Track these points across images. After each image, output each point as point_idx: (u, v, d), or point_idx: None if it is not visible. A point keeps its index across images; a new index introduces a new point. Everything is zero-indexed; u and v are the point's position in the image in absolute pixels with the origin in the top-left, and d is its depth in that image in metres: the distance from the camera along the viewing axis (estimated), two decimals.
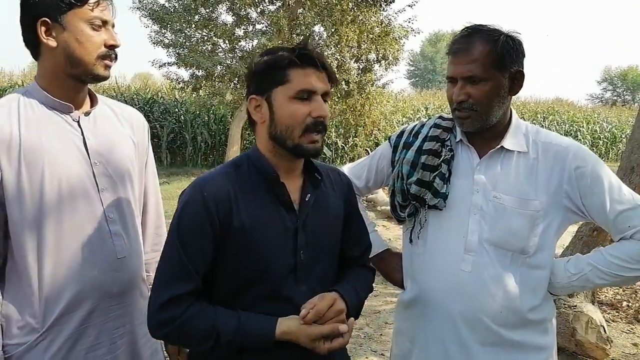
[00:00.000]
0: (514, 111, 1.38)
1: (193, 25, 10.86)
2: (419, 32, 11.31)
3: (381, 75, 11.66)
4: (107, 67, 1.26)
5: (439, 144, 1.37)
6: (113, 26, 1.27)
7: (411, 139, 1.44)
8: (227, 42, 11.07)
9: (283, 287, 1.14)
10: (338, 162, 13.32)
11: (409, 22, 11.10)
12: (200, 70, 11.12)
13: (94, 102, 1.35)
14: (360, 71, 11.28)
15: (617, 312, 4.12)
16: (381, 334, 3.63)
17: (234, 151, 10.93)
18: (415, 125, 1.48)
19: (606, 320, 3.83)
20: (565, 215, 1.31)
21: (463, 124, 1.32)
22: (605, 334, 3.11)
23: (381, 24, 10.68)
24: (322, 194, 1.24)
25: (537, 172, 1.30)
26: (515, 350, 1.30)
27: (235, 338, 1.08)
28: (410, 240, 1.41)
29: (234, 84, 11.53)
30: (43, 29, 1.20)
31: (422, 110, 16.20)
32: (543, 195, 1.28)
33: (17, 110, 1.20)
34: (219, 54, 11.17)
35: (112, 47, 1.25)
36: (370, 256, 1.46)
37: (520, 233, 1.27)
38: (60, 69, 1.23)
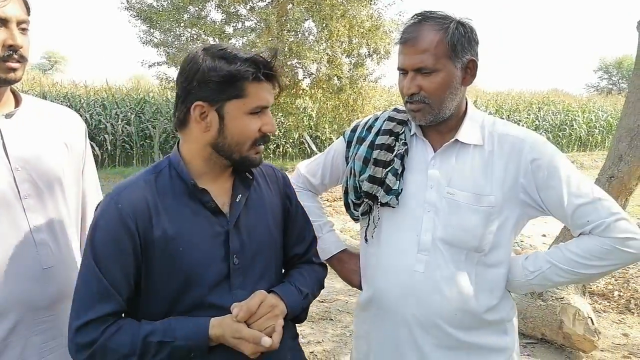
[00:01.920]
0: (469, 102, 1.33)
1: (182, 24, 10.78)
2: None
3: (373, 69, 11.59)
4: (11, 69, 1.15)
5: (393, 137, 1.31)
6: (21, 22, 1.17)
7: (364, 133, 1.37)
8: (216, 40, 10.98)
9: (217, 296, 1.08)
10: None
11: (399, 15, 11.04)
12: None
13: (18, 102, 1.27)
14: (351, 66, 11.21)
15: (608, 302, 4.07)
16: None
17: None
18: (369, 119, 1.41)
19: (597, 311, 3.79)
20: (522, 210, 1.25)
21: (415, 117, 1.25)
22: (594, 326, 3.06)
23: (371, 18, 10.62)
24: (256, 192, 1.19)
25: (492, 165, 1.24)
26: (474, 353, 1.25)
27: (163, 341, 1.01)
28: (366, 240, 1.36)
29: None
30: None
31: None
32: (499, 189, 1.23)
33: None
34: None
35: (12, 48, 1.15)
36: (326, 257, 1.43)
37: (474, 230, 1.22)
38: None
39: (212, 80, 1.04)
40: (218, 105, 1.06)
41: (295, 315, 1.19)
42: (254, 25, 10.84)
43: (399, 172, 1.27)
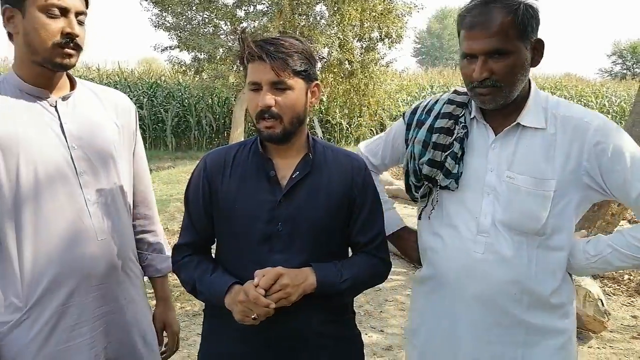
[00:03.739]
0: (533, 83, 1.28)
1: (194, 8, 10.78)
2: (422, 8, 11.15)
3: (385, 53, 11.55)
4: (67, 55, 1.23)
5: (452, 121, 1.30)
6: (80, 14, 1.24)
7: (424, 116, 1.37)
8: (228, 23, 10.99)
9: (258, 253, 1.23)
10: (342, 142, 13.29)
11: None
12: (202, 53, 11.07)
13: (73, 85, 1.35)
14: (363, 50, 11.17)
15: (618, 285, 4.13)
16: (381, 311, 3.68)
17: (238, 133, 10.94)
18: (429, 101, 1.40)
19: (607, 294, 3.85)
20: (585, 193, 1.23)
21: (485, 101, 1.22)
22: (603, 307, 3.13)
23: (383, 1, 10.53)
24: (318, 173, 1.27)
25: (555, 148, 1.22)
26: (533, 332, 1.26)
27: (203, 292, 1.27)
28: (419, 218, 1.39)
29: (237, 66, 11.48)
30: (6, 16, 1.23)
31: (427, 89, 16.03)
32: (561, 173, 1.21)
33: None
34: (221, 36, 11.09)
35: (69, 36, 1.22)
36: (387, 234, 1.46)
37: (535, 214, 1.21)
38: (25, 56, 1.24)
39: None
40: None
41: (328, 297, 1.24)
42: (265, 8, 10.80)
43: (459, 155, 1.28)
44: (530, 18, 1.17)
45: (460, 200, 1.28)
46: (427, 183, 1.33)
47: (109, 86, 1.46)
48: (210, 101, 13.20)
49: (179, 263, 1.33)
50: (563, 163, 1.21)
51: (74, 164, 1.28)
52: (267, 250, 1.23)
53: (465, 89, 1.33)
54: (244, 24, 11.04)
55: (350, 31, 10.62)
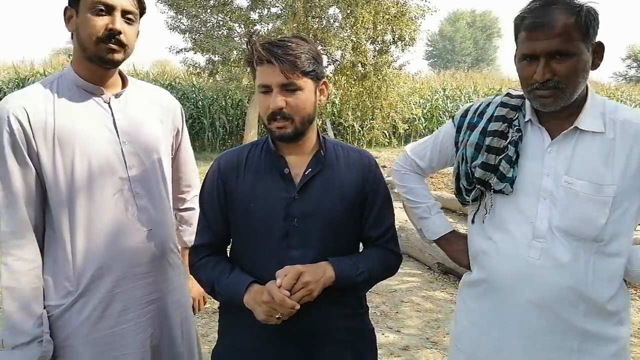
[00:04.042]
0: (589, 86, 1.26)
1: (208, 10, 10.90)
2: (435, 11, 11.15)
3: (398, 56, 11.56)
4: (111, 50, 1.28)
5: (506, 124, 1.29)
6: (127, 13, 1.30)
7: (475, 119, 1.36)
8: (242, 26, 11.09)
9: (275, 250, 1.26)
10: (355, 145, 13.30)
11: (425, 0, 10.93)
12: (217, 56, 11.18)
13: (125, 83, 1.42)
14: (376, 53, 11.20)
15: (635, 290, 4.10)
16: (397, 312, 3.70)
17: (251, 135, 11.03)
18: (480, 104, 1.39)
19: None
20: None
21: (545, 103, 1.20)
22: None
23: (397, 4, 10.56)
24: (330, 170, 1.30)
25: (614, 154, 1.20)
26: (587, 340, 1.23)
27: (222, 292, 1.28)
28: (473, 222, 1.37)
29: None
30: (66, 16, 1.32)
31: (440, 92, 16.04)
32: (620, 179, 1.18)
33: (53, 94, 1.30)
34: (235, 38, 11.19)
35: (111, 32, 1.27)
36: (435, 238, 1.49)
37: (593, 220, 1.19)
38: (79, 53, 1.32)
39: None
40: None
41: (345, 290, 1.27)
42: (279, 11, 10.89)
43: (513, 159, 1.26)
44: (592, 20, 1.16)
45: (515, 205, 1.26)
46: (479, 186, 1.31)
47: None
48: (223, 103, 13.31)
49: (197, 264, 1.35)
50: (623, 169, 1.18)
51: (124, 158, 1.34)
52: (284, 246, 1.25)
53: (517, 92, 1.33)
54: (258, 27, 11.15)
55: (364, 34, 10.65)
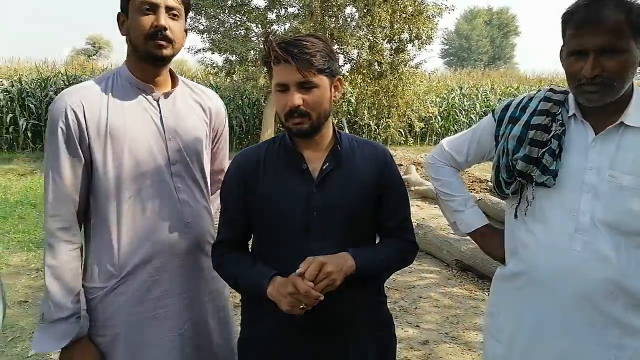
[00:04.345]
0: (635, 83, 1.28)
1: (226, 10, 11.00)
2: (453, 9, 11.10)
3: (414, 55, 11.53)
4: (159, 46, 1.36)
5: (549, 118, 1.31)
6: (169, 9, 1.37)
7: (518, 113, 1.38)
8: (259, 26, 11.18)
9: (296, 242, 1.30)
10: None
11: None
12: (234, 55, 11.29)
13: (175, 83, 1.51)
14: (392, 51, 11.19)
15: None
16: (416, 307, 3.74)
17: (268, 134, 11.11)
18: (522, 98, 1.41)
19: None
20: None
21: (591, 99, 1.22)
22: None
23: (414, 3, 10.53)
24: (347, 164, 1.35)
25: None
26: (627, 333, 1.24)
27: (245, 285, 1.34)
28: (516, 217, 1.38)
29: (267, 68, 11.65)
30: (120, 22, 1.42)
31: (457, 90, 15.94)
32: None
33: (107, 90, 1.40)
34: (252, 38, 11.29)
35: (157, 28, 1.34)
36: (469, 231, 1.54)
37: (638, 214, 1.20)
38: (132, 54, 1.42)
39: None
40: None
41: (366, 279, 1.31)
42: (296, 11, 10.95)
43: (556, 152, 1.28)
44: None
45: (557, 198, 1.28)
46: (520, 179, 1.33)
47: None
48: (240, 102, 13.44)
49: (220, 260, 1.40)
50: None
51: (168, 155, 1.43)
52: (305, 239, 1.30)
53: (560, 88, 1.36)
54: (275, 27, 11.24)
55: (380, 33, 10.65)
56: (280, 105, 1.28)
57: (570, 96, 1.33)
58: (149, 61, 1.40)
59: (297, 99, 1.24)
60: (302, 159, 1.33)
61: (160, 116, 1.44)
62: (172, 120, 1.45)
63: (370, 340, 1.39)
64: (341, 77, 1.35)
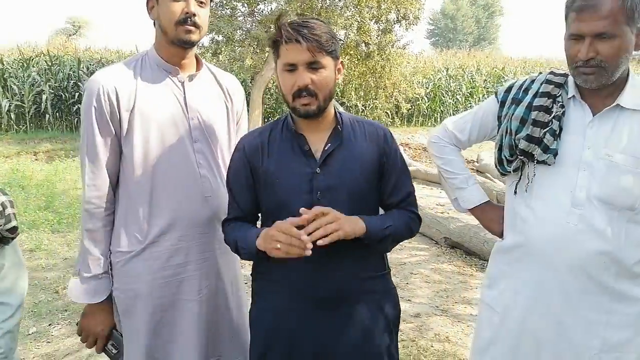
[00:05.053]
0: (630, 67, 1.36)
1: None
2: None
3: (401, 35, 11.55)
4: (188, 31, 1.43)
5: (550, 100, 1.38)
6: None
7: (520, 94, 1.45)
8: (246, 5, 11.06)
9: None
10: None
11: None
12: (220, 35, 11.17)
13: (199, 66, 1.59)
14: (380, 32, 11.19)
15: None
16: (407, 283, 3.87)
17: (256, 115, 11.08)
18: (524, 81, 1.49)
19: None
20: None
21: (587, 80, 1.30)
22: None
23: None
24: (350, 144, 1.40)
25: None
26: (616, 299, 1.34)
27: (243, 246, 1.37)
28: (515, 193, 1.46)
29: (254, 48, 11.57)
30: (149, 6, 1.49)
31: (443, 71, 16.01)
32: None
33: (136, 71, 1.49)
34: (239, 18, 11.17)
35: (188, 14, 1.41)
36: (470, 207, 1.61)
37: (630, 191, 1.29)
38: (161, 38, 1.49)
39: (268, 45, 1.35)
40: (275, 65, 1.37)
41: (374, 242, 1.34)
42: None
43: (557, 132, 1.36)
44: (638, 4, 1.25)
45: (556, 175, 1.37)
46: (521, 157, 1.41)
47: None
48: None
49: (225, 230, 1.47)
50: None
51: (191, 133, 1.52)
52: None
53: (559, 71, 1.44)
54: (261, 6, 11.12)
55: (367, 13, 10.63)
56: (288, 84, 1.31)
57: (570, 78, 1.40)
58: (177, 45, 1.47)
59: (307, 78, 1.28)
60: (304, 140, 1.37)
61: (185, 97, 1.52)
62: (195, 101, 1.53)
63: (376, 310, 1.44)
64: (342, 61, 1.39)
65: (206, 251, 1.57)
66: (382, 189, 1.45)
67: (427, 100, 15.01)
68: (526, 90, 1.45)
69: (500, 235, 1.55)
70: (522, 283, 1.44)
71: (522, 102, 1.43)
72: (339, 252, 1.33)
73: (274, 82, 13.91)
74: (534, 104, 1.40)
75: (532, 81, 1.46)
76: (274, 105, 14.29)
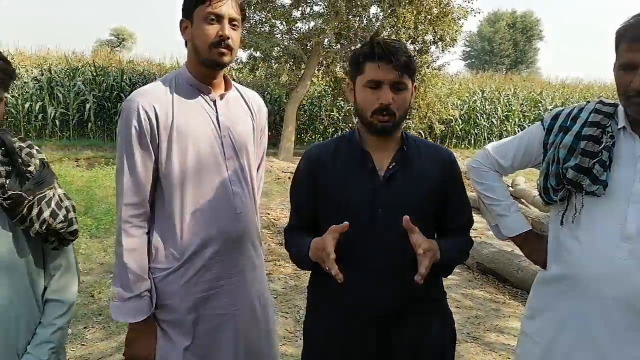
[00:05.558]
0: None
1: (252, 7, 11.12)
2: (479, 12, 11.09)
3: (437, 57, 11.54)
4: (221, 54, 1.47)
5: (600, 130, 1.36)
6: (231, 20, 1.48)
7: (569, 122, 1.42)
8: (284, 23, 11.28)
9: (360, 235, 1.36)
10: None
11: (469, 1, 10.88)
12: (258, 52, 11.42)
13: (227, 86, 1.63)
14: (416, 53, 11.21)
15: None
16: None
17: (289, 131, 11.23)
18: (572, 109, 1.46)
19: None
20: None
21: (639, 111, 1.29)
22: None
23: (440, 4, 10.52)
24: (413, 164, 1.42)
25: None
26: None
27: (297, 255, 1.45)
28: (562, 223, 1.44)
29: (290, 65, 11.77)
30: (182, 26, 1.53)
31: (479, 93, 15.86)
32: None
33: (171, 91, 1.52)
34: (277, 35, 11.40)
35: (222, 38, 1.45)
36: (512, 235, 1.58)
37: None
38: (193, 58, 1.52)
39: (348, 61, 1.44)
40: (353, 80, 1.42)
41: (441, 267, 1.36)
42: (322, 10, 11.02)
43: (607, 163, 1.33)
44: None
45: (605, 207, 1.34)
46: (569, 187, 1.39)
47: None
48: (262, 99, 13.57)
49: (285, 238, 1.54)
50: None
51: (223, 150, 1.55)
52: (370, 232, 1.36)
53: (609, 101, 1.43)
54: (299, 24, 11.34)
55: (404, 34, 10.66)
56: (369, 101, 1.34)
57: (620, 108, 1.38)
58: (209, 66, 1.51)
59: (390, 96, 1.32)
60: (369, 157, 1.40)
61: (217, 115, 1.56)
62: (226, 119, 1.57)
63: (428, 332, 1.42)
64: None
65: (237, 266, 1.60)
66: (442, 213, 1.46)
67: (461, 122, 14.87)
68: (574, 119, 1.42)
69: (544, 266, 1.51)
70: (566, 316, 1.41)
71: (571, 130, 1.41)
72: (395, 270, 1.35)
73: (307, 99, 14.09)
74: (582, 133, 1.37)
75: (581, 110, 1.43)
76: (307, 121, 14.42)
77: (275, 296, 3.91)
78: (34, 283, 1.34)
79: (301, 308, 3.71)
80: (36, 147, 1.38)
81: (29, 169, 1.31)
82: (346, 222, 1.28)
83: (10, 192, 1.23)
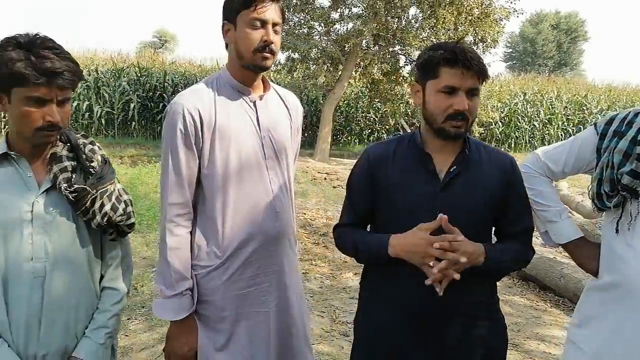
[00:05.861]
0: None
1: (291, 9, 11.23)
2: (521, 13, 10.84)
3: None
4: (265, 58, 1.49)
5: None
6: (274, 25, 1.50)
7: (624, 127, 1.39)
8: (322, 25, 11.34)
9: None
10: None
11: (511, 2, 10.64)
12: (296, 53, 11.52)
13: (266, 87, 1.66)
14: None
15: None
16: None
17: (325, 132, 11.28)
18: (628, 113, 1.42)
19: None
20: None
21: None
22: None
23: (481, 5, 10.34)
24: (474, 168, 1.41)
25: None
26: None
27: (364, 250, 1.44)
28: (617, 231, 1.40)
29: (327, 66, 11.82)
30: (225, 29, 1.55)
31: (520, 96, 15.46)
32: None
33: (214, 93, 1.55)
34: (315, 37, 11.47)
35: (266, 43, 1.47)
36: (563, 242, 1.55)
37: None
38: (235, 61, 1.55)
39: (417, 64, 1.41)
40: (422, 85, 1.41)
41: (489, 271, 1.37)
42: (360, 11, 11.02)
43: None
44: None
45: None
46: (623, 193, 1.36)
47: None
48: (299, 99, 13.68)
49: (338, 233, 1.54)
50: None
51: (263, 151, 1.58)
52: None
53: None
54: (337, 26, 11.37)
55: (444, 35, 10.53)
56: (444, 106, 1.34)
57: None
58: (252, 70, 1.54)
59: (466, 102, 1.33)
60: (430, 159, 1.40)
61: (257, 116, 1.58)
62: (266, 120, 1.59)
63: (479, 336, 1.41)
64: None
65: (275, 264, 1.62)
66: (502, 218, 1.45)
67: (501, 125, 14.55)
68: (630, 124, 1.38)
69: (595, 274, 1.47)
70: (617, 326, 1.37)
71: (626, 135, 1.37)
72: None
73: (344, 100, 14.11)
74: (638, 139, 1.34)
75: (636, 114, 1.39)
76: (343, 123, 14.45)
77: (311, 295, 3.94)
78: (92, 272, 1.42)
79: (337, 307, 3.73)
80: (97, 144, 1.46)
81: (92, 164, 1.38)
82: (442, 216, 1.30)
83: (75, 186, 1.31)
